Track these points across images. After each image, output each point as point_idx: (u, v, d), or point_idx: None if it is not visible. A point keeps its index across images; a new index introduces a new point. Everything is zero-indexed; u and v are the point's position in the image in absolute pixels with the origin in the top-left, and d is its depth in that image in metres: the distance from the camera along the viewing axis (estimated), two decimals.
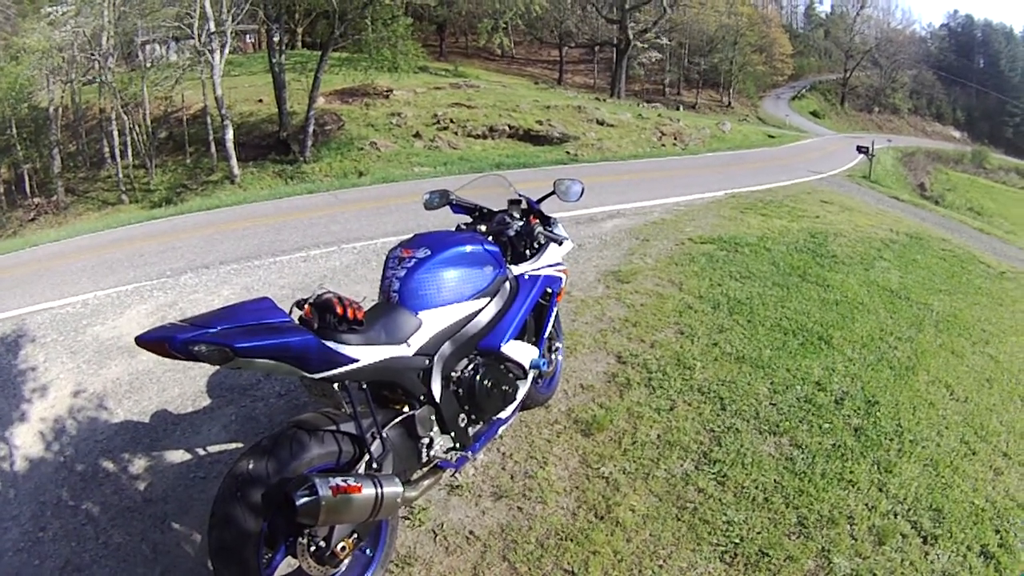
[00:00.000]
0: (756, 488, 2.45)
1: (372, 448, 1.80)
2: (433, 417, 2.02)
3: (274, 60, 15.84)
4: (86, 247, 8.36)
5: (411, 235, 2.27)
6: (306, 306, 1.72)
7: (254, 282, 5.38)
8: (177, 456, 2.93)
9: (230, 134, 14.05)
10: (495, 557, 2.12)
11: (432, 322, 2.01)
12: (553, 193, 2.78)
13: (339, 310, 1.71)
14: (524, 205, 2.72)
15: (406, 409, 1.99)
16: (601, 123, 18.12)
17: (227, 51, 15.18)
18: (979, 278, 6.47)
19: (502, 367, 2.31)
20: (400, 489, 1.77)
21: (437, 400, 2.00)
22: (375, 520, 1.80)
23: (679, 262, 5.07)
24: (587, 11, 34.30)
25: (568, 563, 2.06)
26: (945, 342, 4.37)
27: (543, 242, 2.68)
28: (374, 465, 1.81)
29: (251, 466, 1.62)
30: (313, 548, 1.73)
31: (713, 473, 2.55)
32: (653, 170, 12.56)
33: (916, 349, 4.12)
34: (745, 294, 4.47)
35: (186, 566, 2.33)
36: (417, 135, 16.45)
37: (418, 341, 1.94)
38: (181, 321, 1.50)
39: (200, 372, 3.62)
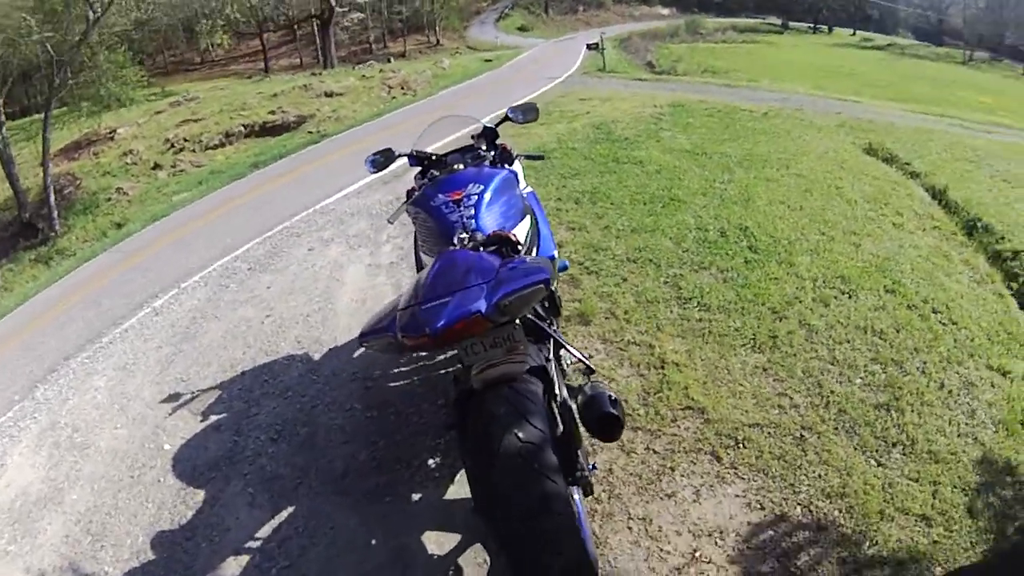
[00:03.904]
0: (726, 302, 3.32)
1: None
2: None
3: None
4: None
5: (440, 180, 2.28)
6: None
7: None
8: None
9: None
10: None
11: None
12: (507, 119, 2.75)
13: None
14: (489, 134, 2.66)
15: None
16: (330, 95, 17.42)
17: None
18: (750, 122, 7.94)
19: None
20: None
21: None
22: None
23: None
24: None
25: None
26: (758, 175, 5.47)
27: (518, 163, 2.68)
28: None
29: (522, 435, 1.53)
30: (579, 474, 1.73)
31: (696, 305, 3.33)
32: (398, 124, 11.66)
33: (741, 185, 5.13)
34: (588, 186, 5.10)
35: None
36: (156, 166, 14.90)
37: None
38: None
39: None
